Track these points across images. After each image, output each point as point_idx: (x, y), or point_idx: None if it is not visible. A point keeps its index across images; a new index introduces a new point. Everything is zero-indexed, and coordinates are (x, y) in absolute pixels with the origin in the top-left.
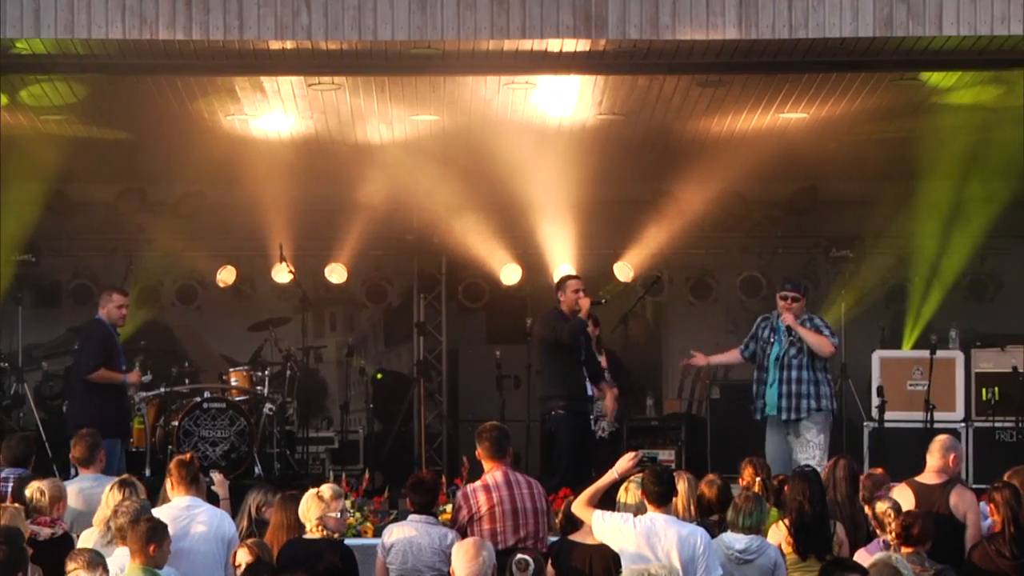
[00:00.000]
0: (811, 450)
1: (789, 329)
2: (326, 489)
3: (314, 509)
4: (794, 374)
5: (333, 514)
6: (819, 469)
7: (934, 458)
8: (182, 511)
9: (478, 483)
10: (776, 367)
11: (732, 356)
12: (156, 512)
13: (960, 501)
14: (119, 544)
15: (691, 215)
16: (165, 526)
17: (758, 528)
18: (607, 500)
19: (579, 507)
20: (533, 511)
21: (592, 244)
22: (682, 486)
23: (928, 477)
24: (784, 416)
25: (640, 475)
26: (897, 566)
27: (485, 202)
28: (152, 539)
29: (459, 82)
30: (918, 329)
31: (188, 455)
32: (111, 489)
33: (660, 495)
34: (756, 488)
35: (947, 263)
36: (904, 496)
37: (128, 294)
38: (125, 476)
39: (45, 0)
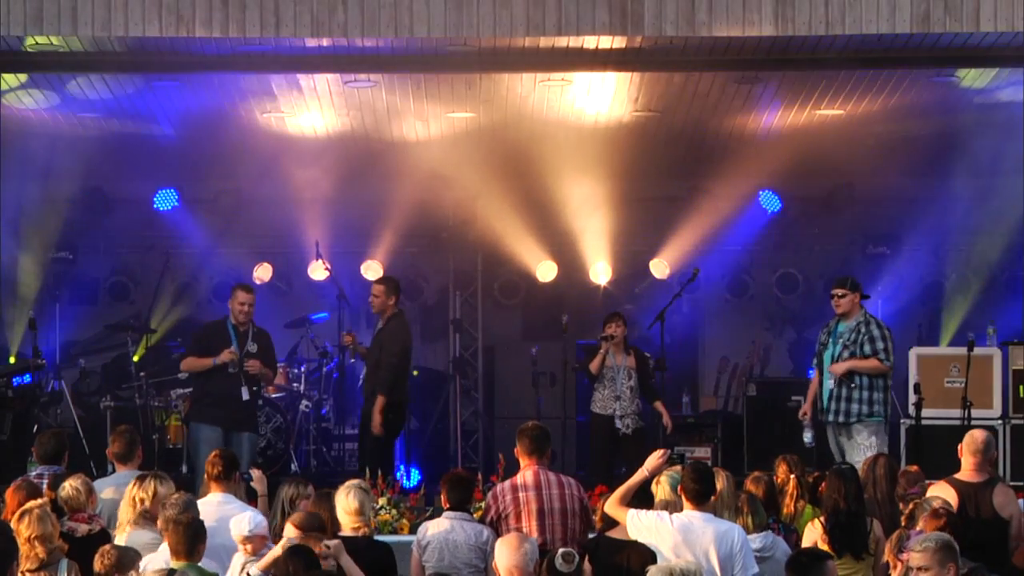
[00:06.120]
0: (863, 452)
1: (842, 333)
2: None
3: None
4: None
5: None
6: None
7: (974, 456)
8: (214, 507)
9: (507, 482)
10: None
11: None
12: None
13: (1005, 500)
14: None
15: (727, 212)
16: (202, 524)
17: (758, 526)
18: (640, 497)
19: (612, 507)
20: (561, 511)
21: (628, 241)
22: (720, 484)
23: (969, 475)
24: (831, 418)
25: (672, 469)
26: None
27: (521, 199)
28: (195, 539)
29: (495, 79)
30: (955, 326)
31: (220, 452)
32: (133, 485)
33: (699, 493)
34: (791, 485)
35: (984, 259)
36: (947, 495)
37: (252, 291)
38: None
39: None
